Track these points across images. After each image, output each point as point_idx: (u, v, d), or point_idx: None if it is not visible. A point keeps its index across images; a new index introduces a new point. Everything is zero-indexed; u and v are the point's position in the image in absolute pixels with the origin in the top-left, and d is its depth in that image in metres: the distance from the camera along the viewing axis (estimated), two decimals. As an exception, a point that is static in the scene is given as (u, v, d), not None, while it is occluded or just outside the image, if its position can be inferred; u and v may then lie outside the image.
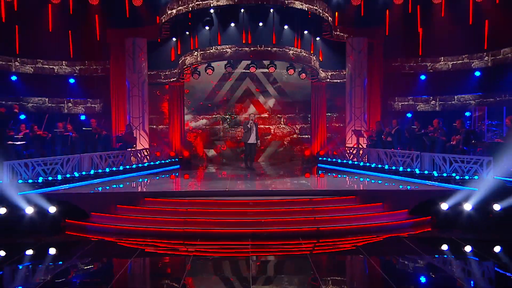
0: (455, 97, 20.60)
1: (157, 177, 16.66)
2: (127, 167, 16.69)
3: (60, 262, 9.83)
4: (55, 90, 20.67)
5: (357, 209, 11.83)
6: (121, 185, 14.68)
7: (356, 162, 17.83)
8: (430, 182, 13.68)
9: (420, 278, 8.77)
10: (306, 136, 22.33)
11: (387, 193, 12.63)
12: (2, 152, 13.24)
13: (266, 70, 20.42)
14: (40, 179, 13.00)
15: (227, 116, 22.27)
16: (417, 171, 14.45)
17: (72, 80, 20.90)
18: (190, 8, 18.87)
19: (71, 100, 20.75)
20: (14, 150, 14.26)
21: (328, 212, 11.55)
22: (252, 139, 18.05)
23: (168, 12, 19.30)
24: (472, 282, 8.58)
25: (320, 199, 12.15)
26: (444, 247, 10.47)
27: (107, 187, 14.07)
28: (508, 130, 14.65)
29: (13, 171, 12.41)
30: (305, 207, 11.69)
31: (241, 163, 19.70)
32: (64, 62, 20.84)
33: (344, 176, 16.75)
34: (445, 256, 10.16)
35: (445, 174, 13.53)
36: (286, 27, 19.97)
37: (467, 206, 11.52)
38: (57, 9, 19.86)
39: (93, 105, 20.95)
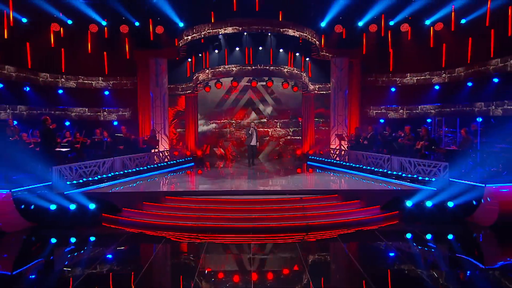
0: (419, 106, 20.63)
1: (176, 174, 16.78)
2: (151, 166, 16.76)
3: (103, 248, 10.01)
4: (93, 101, 20.70)
5: (339, 206, 11.82)
6: (148, 181, 14.83)
7: (338, 161, 17.89)
8: (398, 181, 13.72)
9: (378, 258, 9.24)
10: (298, 138, 22.33)
11: (364, 192, 12.59)
12: (51, 158, 13.29)
13: (265, 83, 20.47)
14: (82, 180, 13.07)
15: (232, 121, 22.35)
16: (389, 172, 14.49)
17: (106, 93, 20.93)
18: (202, 35, 18.95)
19: (106, 109, 20.79)
20: (60, 155, 14.32)
21: (316, 209, 11.50)
22: (253, 142, 18.38)
23: (185, 38, 19.37)
24: (419, 261, 9.01)
25: (309, 198, 12.12)
26: (405, 236, 10.58)
27: (134, 184, 14.17)
28: (463, 140, 14.69)
29: (60, 174, 12.45)
30: (297, 205, 11.66)
31: (245, 159, 19.77)
32: (100, 78, 20.86)
33: (329, 173, 16.87)
34: (404, 242, 10.29)
35: (410, 175, 13.58)
36: (281, 50, 20.06)
37: (428, 203, 11.61)
38: (95, 35, 19.87)
39: (123, 113, 20.99)
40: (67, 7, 18.63)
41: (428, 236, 10.59)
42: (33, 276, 8.48)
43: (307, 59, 21.08)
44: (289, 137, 22.58)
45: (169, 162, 18.17)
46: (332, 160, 18.39)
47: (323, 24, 20.02)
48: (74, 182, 12.76)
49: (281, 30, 18.99)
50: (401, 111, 21.08)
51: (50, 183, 12.16)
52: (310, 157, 20.21)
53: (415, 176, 13.38)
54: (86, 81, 20.76)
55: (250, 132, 18.44)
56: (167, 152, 18.81)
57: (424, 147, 15.08)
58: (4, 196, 10.74)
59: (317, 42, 20.03)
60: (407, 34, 20.24)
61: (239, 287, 7.48)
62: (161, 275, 8.38)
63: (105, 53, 20.52)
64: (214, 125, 22.40)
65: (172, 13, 19.21)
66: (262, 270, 8.35)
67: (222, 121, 22.40)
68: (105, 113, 20.79)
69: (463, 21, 18.39)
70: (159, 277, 8.26)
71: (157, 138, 19.46)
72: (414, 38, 20.30)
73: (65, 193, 11.89)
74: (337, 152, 18.71)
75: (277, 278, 7.98)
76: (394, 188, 12.96)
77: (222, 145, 22.40)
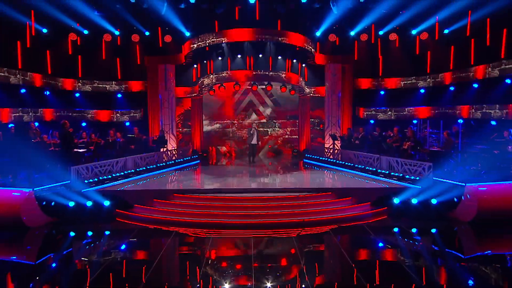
0: (406, 109, 20.61)
1: (183, 172, 16.84)
2: (160, 164, 16.78)
3: (118, 241, 10.30)
4: (107, 103, 20.70)
5: (332, 203, 11.83)
6: (157, 178, 14.94)
7: (332, 160, 17.88)
8: (386, 179, 13.74)
9: (365, 249, 9.56)
10: (295, 137, 22.46)
11: (355, 189, 12.61)
12: (69, 158, 13.40)
13: (264, 87, 20.61)
14: (97, 179, 13.14)
15: (234, 122, 22.46)
16: (378, 170, 14.53)
17: (119, 95, 20.94)
18: (207, 43, 19.11)
19: (119, 111, 20.79)
20: (77, 155, 14.41)
21: (311, 206, 11.56)
22: (254, 141, 18.59)
23: (191, 46, 19.46)
24: (405, 251, 9.29)
25: (305, 195, 12.15)
26: (392, 230, 10.69)
27: (145, 182, 14.24)
28: (445, 141, 14.78)
29: (78, 173, 12.52)
30: (294, 202, 11.75)
31: (246, 157, 19.83)
32: (113, 82, 20.86)
33: (324, 170, 16.93)
34: (390, 236, 10.40)
35: (397, 174, 13.63)
36: (279, 57, 20.14)
37: (413, 200, 11.68)
38: (108, 43, 19.91)
39: (135, 115, 20.98)
40: (83, 18, 18.68)
41: (413, 230, 10.69)
42: (53, 265, 8.76)
43: (304, 65, 21.15)
44: (286, 136, 22.71)
45: (176, 160, 18.20)
46: (326, 158, 18.40)
47: (318, 34, 20.06)
48: (91, 180, 12.84)
49: (280, 39, 19.11)
50: (389, 112, 21.10)
51: (69, 181, 12.23)
52: (306, 155, 20.26)
53: (401, 175, 13.43)
54: (101, 85, 20.76)
55: (251, 132, 18.67)
56: (174, 151, 18.88)
57: (410, 147, 15.17)
58: (28, 194, 10.83)
59: (312, 49, 20.11)
60: (395, 42, 20.28)
61: (242, 274, 7.73)
62: (172, 265, 8.63)
63: (118, 59, 20.56)
64: (218, 125, 22.52)
65: (179, 24, 19.26)
66: (262, 259, 8.60)
67: (225, 121, 22.51)
68: (118, 114, 20.79)
69: (446, 31, 18.47)
70: (170, 266, 8.52)
71: (166, 138, 19.56)
72: (401, 46, 20.35)
73: (82, 191, 11.95)
74: (331, 151, 18.75)
75: (276, 266, 8.26)
76: (383, 185, 13.01)
77: (225, 143, 22.53)
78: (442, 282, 7.62)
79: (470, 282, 7.59)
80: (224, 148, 22.56)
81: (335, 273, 8.16)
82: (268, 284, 7.33)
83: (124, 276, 8.00)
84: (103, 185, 12.95)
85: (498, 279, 7.76)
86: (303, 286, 7.37)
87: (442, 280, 7.74)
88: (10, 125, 15.67)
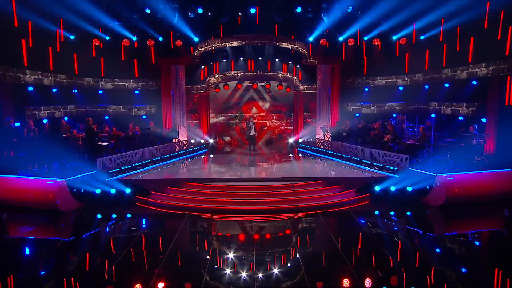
0: (387, 104, 20.71)
1: (193, 160, 17.04)
2: (173, 154, 16.99)
3: (140, 222, 10.74)
4: (126, 99, 20.76)
5: (323, 191, 12.06)
6: (171, 166, 15.23)
7: (323, 149, 18.04)
8: (369, 168, 13.93)
9: (347, 229, 10.11)
10: (290, 128, 22.62)
11: (342, 178, 12.78)
12: (95, 151, 13.66)
13: (264, 84, 20.81)
14: (119, 169, 13.33)
15: (237, 115, 22.65)
16: (362, 160, 14.70)
17: (136, 92, 20.98)
18: (213, 47, 19.24)
19: (136, 106, 20.89)
20: (101, 148, 14.64)
21: (304, 194, 11.79)
22: (252, 133, 18.95)
23: (199, 49, 19.57)
24: (383, 230, 9.80)
25: (299, 184, 12.35)
26: (373, 213, 11.08)
27: (159, 169, 14.49)
28: (420, 136, 15.01)
29: (102, 164, 12.76)
30: (289, 190, 11.96)
31: (247, 146, 20.01)
32: (131, 80, 20.88)
33: (315, 159, 17.07)
34: (371, 217, 10.74)
35: (378, 164, 13.82)
36: (277, 59, 20.21)
37: (392, 188, 11.96)
38: (127, 47, 19.87)
39: (150, 109, 21.02)
40: (105, 27, 18.81)
41: (391, 213, 11.02)
42: (84, 242, 9.23)
43: (298, 65, 21.24)
44: (283, 128, 22.84)
45: (187, 150, 18.40)
46: (318, 148, 18.59)
47: (310, 39, 20.06)
48: (114, 170, 13.04)
49: (277, 43, 19.25)
50: (372, 107, 21.21)
51: (95, 171, 12.48)
52: (300, 144, 20.47)
53: (382, 165, 13.63)
54: (120, 83, 20.80)
55: (249, 125, 18.94)
56: (185, 142, 19.09)
57: (390, 140, 15.40)
58: (61, 183, 11.14)
59: (305, 52, 20.21)
60: (378, 46, 20.28)
61: (244, 248, 8.37)
62: (186, 242, 9.14)
63: (135, 60, 20.58)
64: (222, 117, 22.68)
65: (189, 30, 19.27)
66: (261, 237, 9.17)
67: (228, 114, 22.68)
68: (136, 109, 20.85)
69: (422, 37, 18.50)
70: (185, 243, 9.04)
71: (177, 130, 19.78)
72: (383, 49, 20.34)
73: (106, 180, 12.22)
74: (321, 142, 18.94)
75: (273, 242, 8.93)
76: (366, 174, 13.20)
77: (229, 134, 22.77)
78: (415, 257, 8.01)
79: (438, 256, 8.12)
80: (228, 138, 22.76)
81: (322, 247, 8.66)
82: (267, 253, 7.91)
83: (145, 249, 8.48)
84: (124, 174, 13.15)
85: (461, 253, 8.27)
86: (297, 255, 7.96)
87: (415, 254, 8.13)
88: (44, 121, 15.89)
